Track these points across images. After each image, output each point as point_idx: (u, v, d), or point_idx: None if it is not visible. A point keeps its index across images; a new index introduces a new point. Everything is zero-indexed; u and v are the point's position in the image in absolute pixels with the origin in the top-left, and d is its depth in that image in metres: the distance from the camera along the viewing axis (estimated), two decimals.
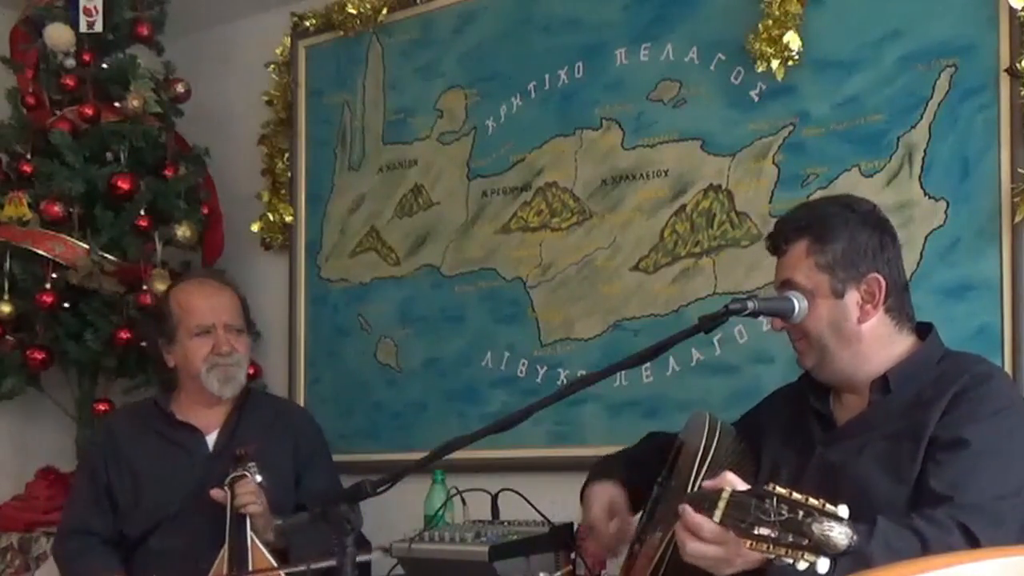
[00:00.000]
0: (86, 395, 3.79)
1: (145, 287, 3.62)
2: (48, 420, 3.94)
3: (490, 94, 3.55)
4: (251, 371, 3.63)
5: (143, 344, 3.61)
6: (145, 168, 3.75)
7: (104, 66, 3.81)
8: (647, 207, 3.25)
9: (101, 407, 3.74)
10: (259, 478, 2.91)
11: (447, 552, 2.78)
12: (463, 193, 3.59)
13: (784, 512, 1.60)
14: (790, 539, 1.59)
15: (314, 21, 3.89)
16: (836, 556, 1.58)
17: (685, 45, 3.20)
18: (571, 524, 2.93)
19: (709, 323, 2.13)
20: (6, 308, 3.60)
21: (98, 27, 3.76)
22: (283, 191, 3.93)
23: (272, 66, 3.96)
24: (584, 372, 3.23)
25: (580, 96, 3.38)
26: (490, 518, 3.02)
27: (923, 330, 2.23)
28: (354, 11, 3.76)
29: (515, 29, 3.52)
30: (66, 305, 3.63)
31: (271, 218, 3.92)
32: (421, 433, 3.57)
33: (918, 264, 2.81)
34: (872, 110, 2.92)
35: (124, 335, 3.61)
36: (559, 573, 2.52)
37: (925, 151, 2.85)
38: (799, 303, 2.17)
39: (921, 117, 2.85)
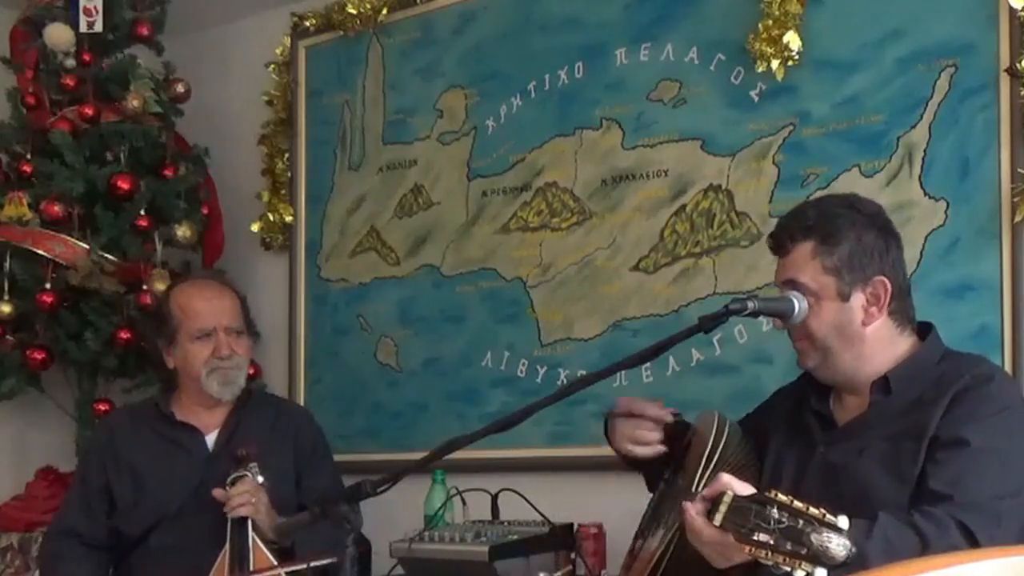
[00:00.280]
0: (86, 395, 3.79)
1: (145, 287, 3.62)
2: (48, 420, 3.94)
3: (490, 94, 3.55)
4: (251, 371, 3.63)
5: (143, 344, 3.61)
6: (145, 168, 3.75)
7: (104, 66, 3.81)
8: (647, 207, 3.25)
9: (101, 407, 3.74)
10: (261, 478, 2.91)
11: (447, 552, 2.78)
12: (463, 193, 3.59)
13: (784, 520, 1.60)
14: (788, 547, 1.59)
15: (314, 21, 3.90)
16: (834, 568, 1.58)
17: (685, 45, 3.20)
18: (571, 524, 2.94)
19: (709, 323, 2.13)
20: (6, 308, 3.60)
21: (98, 27, 3.76)
22: (283, 191, 3.93)
23: (272, 66, 3.96)
24: (584, 372, 3.23)
25: (580, 96, 3.38)
26: (490, 518, 3.02)
27: (923, 330, 2.23)
28: (354, 11, 3.76)
29: (515, 29, 3.52)
30: (66, 305, 3.63)
31: (271, 218, 3.92)
32: (421, 433, 3.57)
33: (918, 264, 2.81)
34: (872, 110, 2.93)
35: (124, 335, 3.61)
36: (559, 573, 2.52)
37: (925, 151, 2.85)
38: (799, 303, 2.16)
39: (921, 117, 2.85)
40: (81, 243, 3.61)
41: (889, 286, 2.16)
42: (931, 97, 2.84)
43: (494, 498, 3.04)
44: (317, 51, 3.92)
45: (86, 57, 3.75)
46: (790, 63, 2.99)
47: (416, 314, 3.67)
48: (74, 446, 3.78)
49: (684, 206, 3.19)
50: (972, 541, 1.90)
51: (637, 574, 2.25)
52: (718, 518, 1.70)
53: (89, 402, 3.77)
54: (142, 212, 3.66)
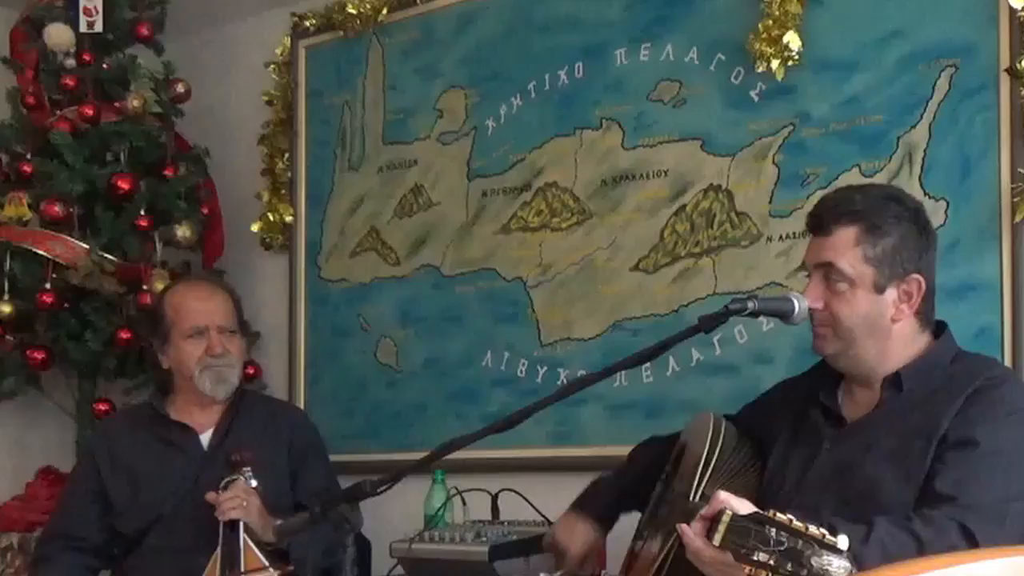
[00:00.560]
0: (86, 395, 3.79)
1: (145, 287, 3.62)
2: (48, 420, 3.94)
3: (490, 94, 3.55)
4: (251, 371, 3.65)
5: (143, 344, 3.62)
6: (145, 168, 3.75)
7: (104, 66, 3.81)
8: (647, 207, 3.25)
9: (101, 407, 3.75)
10: (254, 483, 2.94)
11: (447, 552, 2.78)
12: (463, 193, 3.59)
13: (784, 540, 1.60)
14: (788, 568, 1.59)
15: (314, 21, 3.89)
16: None
17: (685, 45, 3.20)
18: None
19: (709, 323, 2.13)
20: (6, 308, 3.60)
21: (98, 27, 3.76)
22: (283, 191, 3.93)
23: (272, 66, 3.96)
24: (584, 372, 3.22)
25: (580, 96, 3.38)
26: (490, 518, 3.02)
27: (936, 329, 2.22)
28: (354, 11, 3.76)
29: (515, 29, 3.51)
30: (66, 305, 3.64)
31: (271, 218, 3.92)
32: (421, 433, 3.57)
33: None
34: (872, 110, 2.92)
35: (124, 335, 3.62)
36: (559, 573, 2.52)
37: (925, 151, 2.85)
38: (799, 303, 2.15)
39: (921, 117, 2.85)
40: (81, 243, 3.61)
41: (923, 285, 2.14)
42: (931, 97, 2.84)
43: (494, 498, 3.04)
44: (317, 51, 3.92)
45: (86, 57, 3.76)
46: (790, 63, 2.99)
47: (416, 314, 3.66)
48: (74, 446, 3.79)
49: (684, 206, 3.19)
50: (973, 544, 1.89)
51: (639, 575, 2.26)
52: (717, 538, 1.70)
53: (89, 402, 3.78)
54: (142, 212, 3.67)
